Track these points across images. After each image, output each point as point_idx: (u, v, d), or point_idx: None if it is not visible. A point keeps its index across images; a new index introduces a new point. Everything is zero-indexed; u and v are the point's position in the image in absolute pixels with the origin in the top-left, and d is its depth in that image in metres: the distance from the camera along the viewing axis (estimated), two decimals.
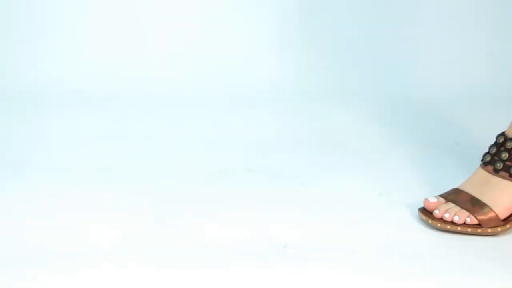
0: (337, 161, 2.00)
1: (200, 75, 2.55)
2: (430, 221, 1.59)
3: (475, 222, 1.57)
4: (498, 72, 2.87)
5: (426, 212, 1.61)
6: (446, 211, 1.58)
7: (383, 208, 1.70)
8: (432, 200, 1.61)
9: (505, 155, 1.60)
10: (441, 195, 1.64)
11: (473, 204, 1.58)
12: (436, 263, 1.48)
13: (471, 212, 1.57)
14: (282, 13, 2.70)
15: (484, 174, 1.62)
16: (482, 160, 1.66)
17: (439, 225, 1.58)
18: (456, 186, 1.70)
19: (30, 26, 2.85)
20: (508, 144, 1.60)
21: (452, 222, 1.57)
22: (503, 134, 1.64)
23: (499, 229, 1.58)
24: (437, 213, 1.58)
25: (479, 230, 1.57)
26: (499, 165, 1.60)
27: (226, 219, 1.65)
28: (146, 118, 2.41)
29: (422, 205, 1.65)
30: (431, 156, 2.04)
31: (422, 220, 1.61)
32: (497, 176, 1.60)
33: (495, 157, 1.61)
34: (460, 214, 1.57)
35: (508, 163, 1.59)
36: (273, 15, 2.71)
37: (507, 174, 1.59)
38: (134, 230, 1.59)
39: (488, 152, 1.64)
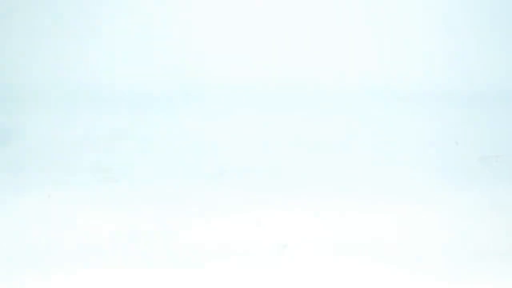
0: (336, 156, 2.00)
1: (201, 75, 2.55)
2: None
3: None
4: (499, 72, 2.87)
5: None
6: None
7: (382, 208, 1.70)
8: None
9: None
10: None
11: None
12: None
13: None
14: None
15: None
16: None
17: None
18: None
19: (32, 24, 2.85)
20: None
21: None
22: None
23: None
24: None
25: None
26: None
27: (226, 219, 1.65)
28: (145, 118, 2.41)
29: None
30: (431, 156, 2.04)
31: None
32: None
33: None
34: None
35: None
36: None
37: None
38: (134, 230, 1.59)
39: None
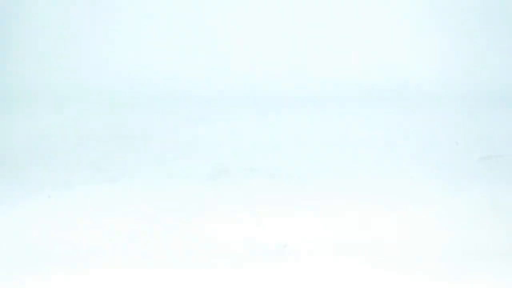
0: (336, 156, 2.00)
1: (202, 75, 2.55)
2: None
3: None
4: (499, 72, 2.87)
5: None
6: None
7: (382, 208, 1.70)
8: None
9: None
10: None
11: None
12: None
13: None
14: None
15: None
16: None
17: None
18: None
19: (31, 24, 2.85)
20: None
21: None
22: None
23: None
24: None
25: None
26: None
27: (226, 219, 1.65)
28: (145, 118, 2.42)
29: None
30: (431, 156, 2.04)
31: None
32: None
33: None
34: None
35: None
36: None
37: None
38: (134, 230, 1.59)
39: None
